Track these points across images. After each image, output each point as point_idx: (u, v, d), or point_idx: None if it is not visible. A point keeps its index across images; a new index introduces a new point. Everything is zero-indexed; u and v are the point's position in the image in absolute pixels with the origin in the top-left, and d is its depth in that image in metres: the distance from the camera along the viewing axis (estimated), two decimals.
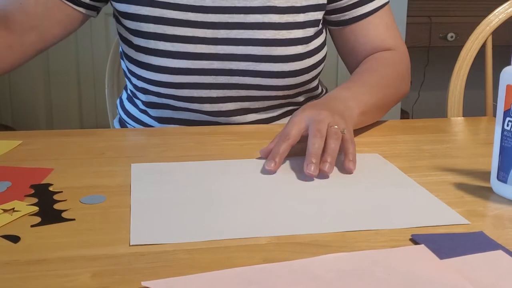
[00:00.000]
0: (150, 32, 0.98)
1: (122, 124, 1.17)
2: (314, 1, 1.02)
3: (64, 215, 0.65)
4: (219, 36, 0.98)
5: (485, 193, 0.73)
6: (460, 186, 0.75)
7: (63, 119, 2.46)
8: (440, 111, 1.28)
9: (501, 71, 0.71)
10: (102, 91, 1.44)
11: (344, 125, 0.82)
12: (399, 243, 0.59)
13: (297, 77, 1.03)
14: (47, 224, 0.63)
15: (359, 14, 1.06)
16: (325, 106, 0.85)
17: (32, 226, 0.62)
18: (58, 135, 0.96)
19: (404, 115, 2.94)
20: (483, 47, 1.23)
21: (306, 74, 1.04)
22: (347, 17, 1.06)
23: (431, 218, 0.65)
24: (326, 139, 0.78)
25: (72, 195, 0.70)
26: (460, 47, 1.24)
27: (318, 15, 1.03)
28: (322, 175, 0.76)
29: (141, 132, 1.02)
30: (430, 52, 2.99)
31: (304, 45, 1.02)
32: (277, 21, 0.99)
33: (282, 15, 0.99)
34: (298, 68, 1.02)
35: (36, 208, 0.66)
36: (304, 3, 1.01)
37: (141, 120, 1.11)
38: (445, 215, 0.66)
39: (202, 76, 1.00)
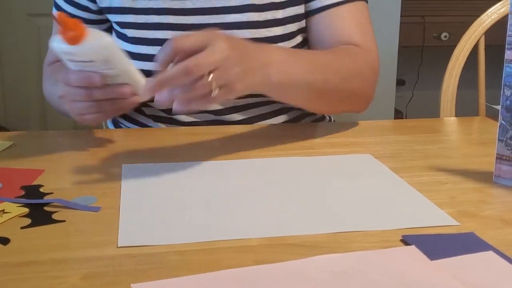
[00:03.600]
0: (133, 37, 1.01)
1: (116, 124, 1.16)
2: None
3: (54, 216, 0.64)
4: None
5: (477, 193, 0.73)
6: (452, 187, 0.75)
7: (57, 119, 2.45)
8: (434, 110, 1.28)
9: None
10: None
11: (233, 81, 0.74)
12: (390, 244, 0.59)
13: None
14: (37, 226, 0.62)
15: (324, 4, 1.01)
16: (245, 50, 0.79)
17: (22, 227, 0.62)
18: (49, 136, 0.96)
19: (398, 114, 2.94)
20: (475, 47, 1.23)
21: None
22: (312, 8, 1.02)
23: (422, 219, 0.65)
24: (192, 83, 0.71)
25: (63, 196, 0.69)
26: (454, 47, 1.24)
27: (299, 9, 1.01)
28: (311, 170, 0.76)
29: (133, 133, 1.02)
30: (424, 51, 3.00)
31: (286, 42, 1.01)
32: (255, 20, 0.98)
33: (261, 12, 0.99)
34: None
35: (26, 210, 0.66)
36: None
37: (134, 119, 1.10)
38: (436, 216, 0.66)
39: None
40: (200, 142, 0.92)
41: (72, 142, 0.92)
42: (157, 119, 1.07)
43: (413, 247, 0.58)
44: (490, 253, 0.57)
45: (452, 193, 0.73)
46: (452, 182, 0.77)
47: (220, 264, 0.55)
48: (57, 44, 0.78)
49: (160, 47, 0.98)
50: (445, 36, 2.84)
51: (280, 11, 1.00)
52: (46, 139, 0.94)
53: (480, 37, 1.23)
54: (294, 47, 1.02)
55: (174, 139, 0.94)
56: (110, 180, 0.75)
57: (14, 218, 0.64)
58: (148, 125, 1.08)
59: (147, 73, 0.99)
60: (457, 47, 1.23)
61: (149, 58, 0.99)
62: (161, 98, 0.71)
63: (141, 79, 0.85)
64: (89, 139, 0.93)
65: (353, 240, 0.60)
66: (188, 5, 0.98)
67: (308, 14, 1.04)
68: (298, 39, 1.03)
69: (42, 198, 0.69)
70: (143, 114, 1.09)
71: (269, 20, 0.99)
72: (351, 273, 0.53)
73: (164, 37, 0.98)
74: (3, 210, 0.65)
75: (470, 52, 1.23)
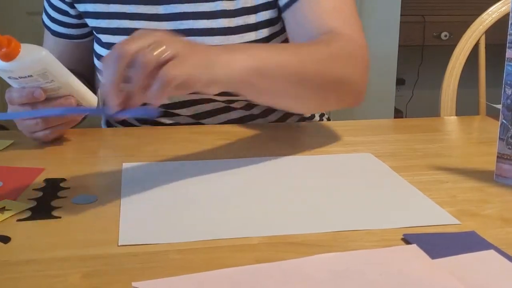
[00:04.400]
0: (107, 43, 1.00)
1: (109, 125, 1.16)
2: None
3: (53, 213, 0.65)
4: None
5: (478, 192, 0.73)
6: (453, 186, 0.75)
7: None
8: (434, 109, 1.28)
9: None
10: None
11: (183, 50, 0.64)
12: (390, 243, 0.59)
13: None
14: (35, 220, 0.63)
15: None
16: (198, 44, 0.69)
17: (18, 220, 0.63)
18: None
19: (398, 114, 2.94)
20: (476, 46, 1.23)
21: None
22: (284, 1, 0.96)
23: (423, 218, 0.65)
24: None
25: (64, 194, 0.69)
26: (454, 46, 1.24)
27: (272, 13, 0.97)
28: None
29: (133, 132, 1.02)
30: (424, 51, 2.99)
31: None
32: (226, 26, 0.96)
33: (232, 18, 0.96)
34: None
35: (27, 206, 0.66)
36: (255, 3, 0.96)
37: (123, 120, 1.10)
38: (436, 215, 0.66)
39: None
40: (200, 141, 0.92)
41: (71, 140, 0.91)
42: (142, 121, 1.07)
43: (414, 246, 0.57)
44: (492, 252, 0.57)
45: (453, 192, 0.73)
46: (453, 181, 0.76)
47: (220, 262, 0.55)
48: None
49: None
50: (445, 36, 2.84)
51: (252, 15, 0.97)
52: None
53: (481, 36, 1.22)
54: None
55: (174, 137, 0.94)
56: (110, 178, 0.75)
57: (14, 216, 0.64)
58: (135, 125, 1.08)
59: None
60: (457, 46, 1.23)
61: None
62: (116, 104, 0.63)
63: (82, 88, 0.85)
64: (89, 138, 0.93)
65: (354, 239, 0.60)
66: (160, 10, 0.97)
67: (282, 10, 0.97)
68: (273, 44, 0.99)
69: (56, 193, 0.70)
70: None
71: (241, 25, 0.96)
72: (351, 272, 0.53)
73: None
74: (4, 207, 0.65)
75: (471, 51, 1.23)
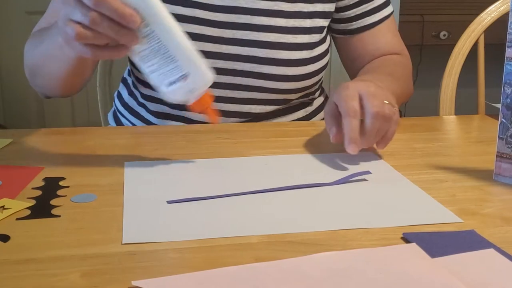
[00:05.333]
0: None
1: (116, 117, 1.16)
2: (321, 8, 1.03)
3: (53, 211, 0.65)
4: (225, 36, 0.99)
5: (477, 191, 0.73)
6: (452, 185, 0.75)
7: (55, 117, 2.45)
8: (433, 109, 1.28)
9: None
10: (94, 89, 1.43)
11: (393, 101, 0.82)
12: (390, 242, 0.59)
13: (299, 82, 1.04)
14: (34, 218, 0.63)
15: (367, 23, 1.08)
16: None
17: (17, 219, 0.63)
18: (49, 134, 0.96)
19: None
20: (475, 45, 1.23)
21: (308, 80, 1.05)
22: (354, 27, 1.08)
23: (424, 217, 0.65)
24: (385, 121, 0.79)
25: (64, 193, 0.69)
26: (453, 46, 1.24)
27: (324, 22, 1.05)
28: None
29: (133, 131, 1.02)
30: (422, 50, 2.99)
31: (309, 51, 1.03)
32: (283, 25, 1.00)
33: (288, 19, 1.01)
34: (301, 73, 1.03)
35: (26, 205, 0.66)
36: (312, 9, 1.02)
37: (138, 113, 1.10)
38: (438, 213, 0.66)
39: None
40: (201, 140, 0.92)
41: (71, 139, 0.91)
42: (162, 116, 1.06)
43: (413, 244, 0.57)
44: (491, 250, 0.57)
45: (452, 191, 0.73)
46: (452, 180, 0.77)
47: (220, 261, 0.55)
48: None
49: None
50: (444, 35, 2.84)
51: (308, 20, 1.02)
52: (45, 136, 0.93)
53: (480, 36, 1.22)
54: (315, 57, 1.04)
55: (176, 136, 0.94)
56: (110, 177, 0.75)
57: (13, 215, 0.64)
58: (150, 120, 1.08)
59: None
60: (456, 45, 1.23)
61: None
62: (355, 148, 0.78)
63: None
64: (89, 137, 0.93)
65: (353, 238, 0.60)
66: (216, 1, 0.98)
67: (347, 32, 1.09)
68: (320, 49, 1.05)
69: (55, 192, 0.70)
70: (146, 109, 1.08)
71: (296, 27, 1.01)
72: (350, 271, 0.53)
73: (191, 31, 0.96)
74: (3, 206, 0.65)
75: (470, 51, 1.23)
